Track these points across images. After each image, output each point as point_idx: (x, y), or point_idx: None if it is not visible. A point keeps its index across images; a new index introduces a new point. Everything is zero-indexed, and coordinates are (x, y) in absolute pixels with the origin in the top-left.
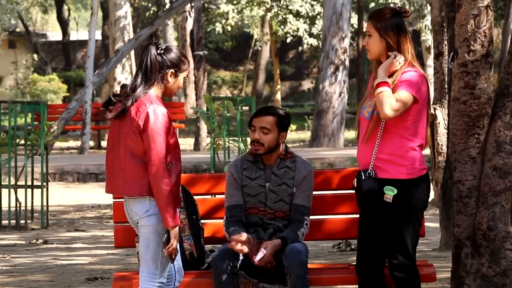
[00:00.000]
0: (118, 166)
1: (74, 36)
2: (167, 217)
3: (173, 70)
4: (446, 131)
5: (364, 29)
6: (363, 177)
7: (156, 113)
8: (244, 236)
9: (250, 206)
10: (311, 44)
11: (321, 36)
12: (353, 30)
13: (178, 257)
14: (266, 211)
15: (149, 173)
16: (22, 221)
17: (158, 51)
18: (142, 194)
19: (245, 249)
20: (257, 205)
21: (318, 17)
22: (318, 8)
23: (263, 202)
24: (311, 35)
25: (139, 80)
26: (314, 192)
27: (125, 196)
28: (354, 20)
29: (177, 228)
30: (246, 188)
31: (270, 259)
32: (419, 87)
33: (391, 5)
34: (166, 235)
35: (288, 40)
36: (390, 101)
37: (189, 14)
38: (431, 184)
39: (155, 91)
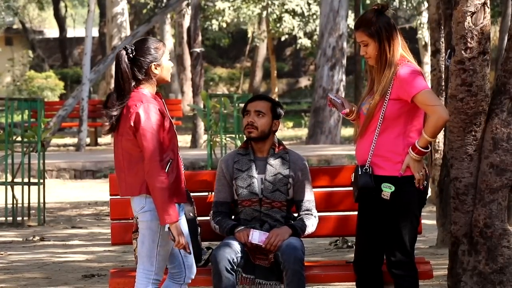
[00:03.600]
0: (119, 167)
1: (71, 33)
2: (162, 214)
3: (154, 63)
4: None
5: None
6: (360, 172)
7: (146, 112)
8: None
9: (243, 199)
10: (305, 45)
11: (316, 35)
12: (350, 27)
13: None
14: (263, 200)
15: (144, 171)
16: (19, 218)
17: (130, 56)
18: (141, 192)
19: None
20: (249, 197)
21: (314, 16)
22: (314, 7)
23: (255, 193)
24: (305, 34)
25: (115, 96)
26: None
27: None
28: (351, 17)
29: (178, 224)
30: (238, 180)
31: (270, 255)
32: (422, 79)
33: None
34: (171, 233)
35: (283, 39)
36: (435, 119)
37: (186, 12)
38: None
39: (148, 88)
